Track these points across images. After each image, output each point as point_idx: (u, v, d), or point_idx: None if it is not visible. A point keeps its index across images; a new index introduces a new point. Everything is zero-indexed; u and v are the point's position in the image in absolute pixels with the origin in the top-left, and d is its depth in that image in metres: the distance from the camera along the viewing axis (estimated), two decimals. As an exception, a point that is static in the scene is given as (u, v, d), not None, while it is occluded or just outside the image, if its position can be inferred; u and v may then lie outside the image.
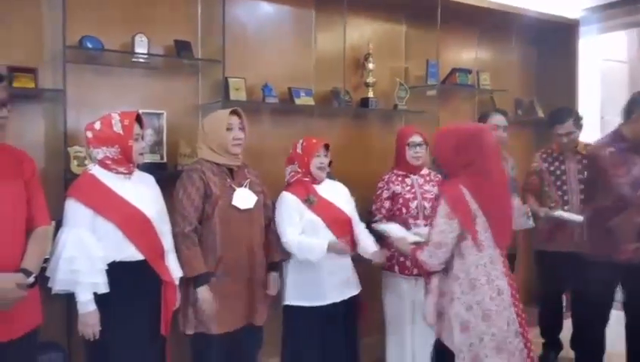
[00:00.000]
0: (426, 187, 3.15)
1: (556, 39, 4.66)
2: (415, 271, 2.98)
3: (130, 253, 2.30)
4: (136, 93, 3.06)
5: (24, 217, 2.01)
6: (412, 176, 3.16)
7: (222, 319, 2.56)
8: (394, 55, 4.04)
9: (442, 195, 2.28)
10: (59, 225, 2.31)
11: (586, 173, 3.43)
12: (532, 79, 4.81)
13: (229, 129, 2.62)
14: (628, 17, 4.71)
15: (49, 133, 2.84)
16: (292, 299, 2.83)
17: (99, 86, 2.97)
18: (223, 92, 3.14)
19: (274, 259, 2.81)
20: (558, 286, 3.79)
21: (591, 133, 4.33)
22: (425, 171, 3.23)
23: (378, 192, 3.18)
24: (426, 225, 2.82)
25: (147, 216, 2.34)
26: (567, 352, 3.81)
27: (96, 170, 2.33)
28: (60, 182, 2.70)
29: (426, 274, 2.39)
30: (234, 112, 2.66)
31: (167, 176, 2.80)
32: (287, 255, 2.83)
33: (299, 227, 2.78)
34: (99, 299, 2.25)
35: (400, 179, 3.16)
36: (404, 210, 3.09)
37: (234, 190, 2.63)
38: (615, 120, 3.24)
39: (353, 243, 2.89)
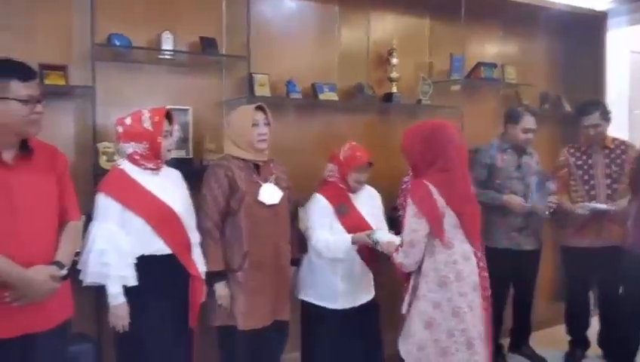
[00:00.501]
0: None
1: (583, 31, 4.57)
2: None
3: (158, 247, 2.35)
4: (162, 90, 3.10)
5: (56, 211, 2.06)
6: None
7: (249, 315, 2.59)
8: (418, 50, 4.01)
9: (409, 194, 2.28)
10: (88, 219, 2.36)
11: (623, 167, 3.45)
12: (559, 73, 4.73)
13: (254, 125, 2.64)
14: (657, 9, 4.61)
15: (78, 129, 2.90)
16: (306, 294, 2.86)
17: (126, 82, 3.01)
18: (248, 88, 3.16)
19: (295, 254, 2.83)
20: (586, 282, 3.74)
21: (619, 127, 4.27)
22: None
23: (403, 187, 3.17)
24: None
25: (174, 211, 2.38)
26: (594, 350, 3.77)
27: (125, 166, 2.38)
28: (89, 177, 2.75)
29: (404, 276, 2.36)
30: (259, 108, 2.68)
31: (192, 172, 2.83)
32: (304, 250, 2.85)
33: (328, 231, 2.79)
34: (128, 291, 2.30)
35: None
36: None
37: (260, 185, 2.65)
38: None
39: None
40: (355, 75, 3.68)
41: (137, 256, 2.31)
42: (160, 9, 3.07)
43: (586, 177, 3.56)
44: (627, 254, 3.25)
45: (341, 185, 2.87)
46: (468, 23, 3.86)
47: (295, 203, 2.92)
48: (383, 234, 2.68)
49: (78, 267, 2.25)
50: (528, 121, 3.47)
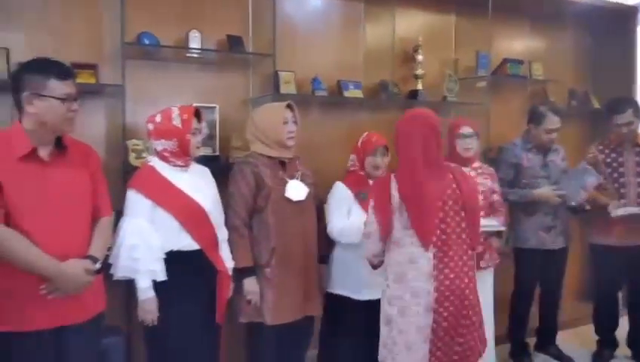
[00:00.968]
0: (479, 180, 3.10)
1: (613, 26, 4.49)
2: None
3: (187, 242, 2.38)
4: (190, 88, 3.14)
5: (90, 207, 2.11)
6: (463, 168, 3.12)
7: (277, 310, 2.61)
8: (443, 46, 3.99)
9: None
10: (118, 215, 2.41)
11: None
12: (587, 69, 4.66)
13: (284, 123, 2.66)
14: (690, 2, 4.50)
15: (109, 127, 2.96)
16: (333, 287, 2.88)
17: (154, 81, 3.06)
18: (274, 85, 3.19)
19: (322, 251, 2.85)
20: (615, 281, 3.68)
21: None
22: (477, 164, 3.19)
23: None
24: None
25: (203, 208, 2.41)
26: (623, 350, 3.71)
27: (155, 163, 2.42)
28: (119, 173, 2.81)
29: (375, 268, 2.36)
30: (287, 106, 2.71)
31: (219, 169, 2.86)
32: (331, 247, 2.87)
33: (345, 217, 2.81)
34: (157, 286, 2.34)
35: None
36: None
37: (286, 182, 2.67)
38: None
39: None
40: (381, 72, 3.68)
41: (166, 251, 2.35)
42: (188, 8, 3.12)
43: (615, 175, 3.50)
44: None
45: (361, 173, 2.90)
46: (494, 18, 3.82)
47: (321, 200, 2.94)
48: None
49: (110, 261, 2.29)
50: (552, 122, 3.40)
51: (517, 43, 4.32)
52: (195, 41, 3.01)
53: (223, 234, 2.53)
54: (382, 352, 2.25)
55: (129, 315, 2.75)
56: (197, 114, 2.48)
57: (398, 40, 3.74)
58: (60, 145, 2.04)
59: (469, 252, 2.20)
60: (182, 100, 2.81)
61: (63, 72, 1.99)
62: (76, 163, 2.08)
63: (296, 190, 2.68)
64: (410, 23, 3.83)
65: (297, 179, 2.72)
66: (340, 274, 2.86)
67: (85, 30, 2.90)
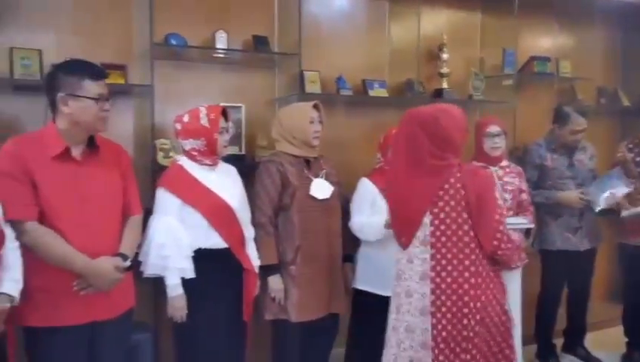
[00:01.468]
0: (506, 178, 3.09)
1: (643, 23, 4.41)
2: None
3: (215, 240, 2.41)
4: (216, 87, 3.18)
5: (121, 206, 2.15)
6: (491, 167, 3.10)
7: (302, 307, 2.63)
8: (469, 44, 3.96)
9: None
10: (147, 213, 2.45)
11: None
12: (616, 66, 4.57)
13: (311, 122, 2.69)
14: None
15: (137, 127, 3.01)
16: (360, 282, 2.89)
17: (182, 81, 3.11)
18: (299, 85, 3.20)
19: (349, 250, 2.87)
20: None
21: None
22: (505, 163, 3.16)
23: None
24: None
25: (230, 206, 2.43)
26: (654, 352, 3.65)
27: (183, 162, 2.46)
28: (147, 172, 2.85)
29: None
30: (314, 106, 2.72)
31: (245, 168, 2.88)
32: (357, 246, 2.88)
33: (368, 213, 2.82)
34: (185, 284, 2.37)
35: (479, 170, 3.12)
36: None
37: (311, 180, 2.70)
38: None
39: None
40: (406, 71, 3.66)
41: (195, 249, 2.38)
42: (214, 9, 3.15)
43: (645, 174, 3.44)
44: None
45: (386, 168, 2.88)
46: (521, 15, 3.77)
47: (346, 199, 2.95)
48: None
49: (140, 258, 2.34)
50: (577, 123, 3.32)
51: (544, 40, 4.26)
52: (221, 42, 3.04)
53: (249, 232, 2.56)
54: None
55: (157, 312, 2.79)
56: (224, 113, 2.51)
57: (423, 38, 3.72)
58: (92, 144, 2.09)
59: (473, 256, 2.10)
60: (208, 100, 2.84)
61: (96, 72, 2.04)
62: (107, 162, 2.12)
63: (321, 188, 2.70)
64: (435, 21, 3.81)
65: (322, 177, 2.74)
66: (367, 271, 2.87)
67: (115, 31, 2.96)
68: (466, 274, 2.08)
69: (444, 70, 3.69)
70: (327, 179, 2.76)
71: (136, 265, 2.28)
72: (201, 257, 2.38)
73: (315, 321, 2.67)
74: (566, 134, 3.36)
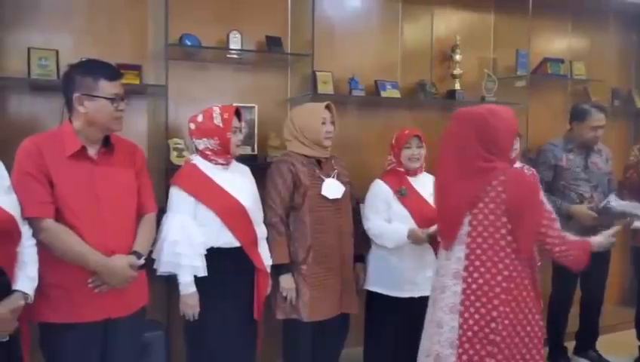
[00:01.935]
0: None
1: (659, 24, 4.38)
2: None
3: (228, 239, 2.42)
4: (229, 88, 3.21)
5: (136, 204, 2.17)
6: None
7: (314, 307, 2.64)
8: (482, 45, 3.96)
9: None
10: (161, 211, 2.47)
11: None
12: (631, 67, 4.55)
13: (323, 123, 2.70)
14: None
15: (151, 126, 3.04)
16: (372, 285, 2.89)
17: (195, 81, 3.14)
18: (312, 86, 3.21)
19: (360, 250, 2.88)
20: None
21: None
22: (518, 164, 3.14)
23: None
24: None
25: (243, 205, 2.45)
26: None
27: (197, 161, 2.48)
28: (161, 172, 2.88)
29: None
30: (326, 106, 2.73)
31: (257, 168, 2.90)
32: (368, 246, 2.89)
33: (384, 215, 2.82)
34: (198, 282, 2.39)
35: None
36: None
37: (322, 180, 2.71)
38: None
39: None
40: (418, 72, 3.67)
41: (208, 247, 2.40)
42: (228, 10, 3.18)
43: (658, 177, 3.41)
44: None
45: (400, 169, 2.90)
46: (535, 17, 3.77)
47: (357, 199, 2.96)
48: None
49: (153, 256, 2.35)
50: (597, 118, 3.32)
51: (558, 41, 4.24)
52: (235, 42, 3.07)
53: (261, 231, 2.57)
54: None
55: (170, 310, 2.82)
56: (237, 113, 2.53)
57: (435, 39, 3.73)
58: (107, 143, 2.12)
59: (507, 260, 2.08)
60: (222, 100, 2.87)
61: (111, 73, 2.06)
62: (122, 161, 2.15)
63: (333, 188, 2.71)
64: (448, 22, 3.81)
65: (333, 177, 2.75)
66: (379, 272, 2.87)
67: (130, 32, 2.99)
68: (499, 278, 2.07)
69: (457, 71, 3.70)
70: (338, 179, 2.77)
71: (150, 263, 2.30)
72: (214, 256, 2.40)
73: (326, 321, 2.68)
74: (586, 130, 3.34)
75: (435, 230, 2.62)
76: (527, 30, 3.77)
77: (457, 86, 3.70)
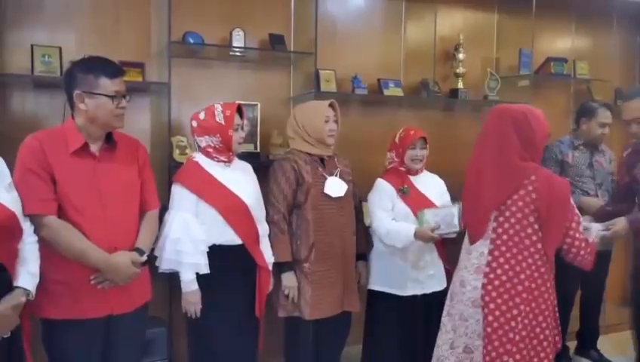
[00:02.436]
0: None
1: (663, 24, 4.37)
2: None
3: (229, 237, 2.42)
4: (232, 86, 3.21)
5: (138, 200, 2.18)
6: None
7: (315, 305, 2.64)
8: (485, 44, 3.95)
9: None
10: (163, 209, 2.47)
11: None
12: (634, 67, 4.53)
13: (326, 121, 2.70)
14: None
15: (154, 124, 3.05)
16: (375, 284, 2.89)
17: (198, 79, 3.14)
18: (315, 84, 3.22)
19: (362, 249, 2.87)
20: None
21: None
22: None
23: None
24: None
25: (245, 203, 2.45)
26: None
27: (199, 158, 2.48)
28: (164, 169, 2.88)
29: None
30: (330, 105, 2.73)
31: (259, 165, 2.91)
32: (371, 245, 2.89)
33: (390, 213, 2.82)
34: (200, 279, 2.39)
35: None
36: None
37: (325, 178, 2.71)
38: None
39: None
40: (421, 71, 3.67)
41: (210, 244, 2.40)
42: (231, 8, 3.19)
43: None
44: None
45: (401, 168, 2.90)
46: (538, 16, 3.76)
47: (360, 198, 2.96)
48: (432, 215, 2.70)
49: (155, 253, 2.36)
50: (605, 115, 3.36)
51: (561, 41, 4.23)
52: (238, 40, 3.07)
53: (263, 229, 2.57)
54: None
55: (172, 307, 2.83)
56: (239, 110, 2.53)
57: (439, 38, 3.73)
58: (110, 140, 2.12)
59: (530, 260, 2.09)
60: (224, 98, 2.86)
61: (112, 70, 2.06)
62: (125, 157, 2.15)
63: (336, 186, 2.71)
64: (451, 21, 3.81)
65: (336, 175, 2.75)
66: (382, 271, 2.87)
67: (133, 30, 3.00)
68: (522, 276, 2.09)
69: (460, 70, 3.69)
70: (341, 177, 2.77)
71: (152, 260, 2.31)
72: (216, 253, 2.40)
73: (327, 319, 2.68)
74: (594, 127, 3.36)
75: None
76: (531, 29, 3.76)
77: (460, 85, 3.70)
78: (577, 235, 2.14)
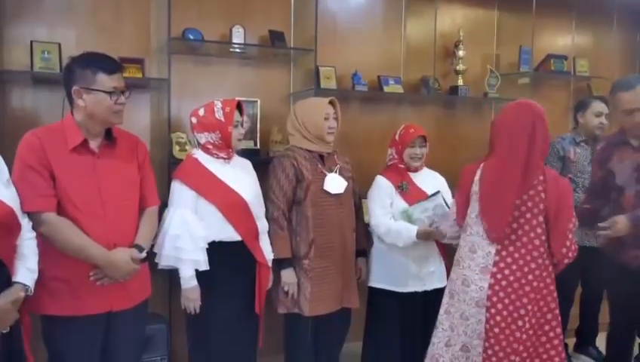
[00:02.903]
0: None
1: (663, 21, 4.36)
2: None
3: (229, 233, 2.42)
4: (232, 82, 3.21)
5: (138, 197, 2.17)
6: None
7: (315, 302, 2.64)
8: (485, 41, 3.95)
9: None
10: (163, 205, 2.47)
11: None
12: (634, 65, 4.53)
13: (326, 118, 2.70)
14: None
15: (154, 120, 3.05)
16: (375, 281, 2.89)
17: (198, 75, 3.14)
18: (315, 81, 3.21)
19: (362, 245, 2.88)
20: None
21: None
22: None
23: None
24: None
25: (244, 199, 2.45)
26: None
27: (199, 155, 2.48)
28: (164, 166, 2.89)
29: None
30: (330, 102, 2.73)
31: (259, 162, 2.91)
32: (371, 242, 2.89)
33: (388, 210, 2.82)
34: (199, 275, 2.39)
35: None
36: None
37: (325, 175, 2.71)
38: None
39: None
40: (421, 68, 3.67)
41: (209, 241, 2.40)
42: (231, 4, 3.19)
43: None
44: None
45: (401, 166, 2.90)
46: (538, 13, 3.76)
47: (360, 195, 2.96)
48: (420, 211, 2.72)
49: (155, 250, 2.36)
50: (598, 106, 3.38)
51: (561, 38, 4.23)
52: (238, 37, 3.06)
53: (263, 225, 2.57)
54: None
55: (172, 303, 2.83)
56: (239, 107, 2.52)
57: (439, 35, 3.73)
58: (109, 136, 2.12)
59: (540, 260, 2.09)
60: (224, 94, 2.86)
61: (110, 66, 2.05)
62: (125, 154, 2.15)
63: (335, 183, 2.71)
64: (451, 18, 3.81)
65: (336, 172, 2.75)
66: (382, 268, 2.87)
67: (133, 26, 2.99)
68: (530, 277, 2.08)
69: (460, 67, 3.69)
70: (340, 174, 2.76)
71: (152, 256, 2.30)
72: (215, 249, 2.40)
73: (327, 315, 2.68)
74: (590, 118, 3.38)
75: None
76: (531, 27, 3.75)
77: (460, 82, 3.69)
78: (570, 236, 2.15)
